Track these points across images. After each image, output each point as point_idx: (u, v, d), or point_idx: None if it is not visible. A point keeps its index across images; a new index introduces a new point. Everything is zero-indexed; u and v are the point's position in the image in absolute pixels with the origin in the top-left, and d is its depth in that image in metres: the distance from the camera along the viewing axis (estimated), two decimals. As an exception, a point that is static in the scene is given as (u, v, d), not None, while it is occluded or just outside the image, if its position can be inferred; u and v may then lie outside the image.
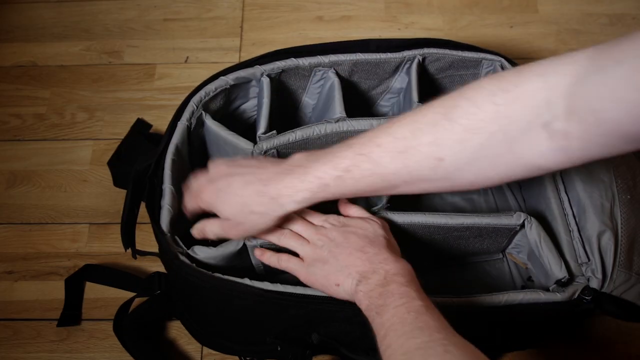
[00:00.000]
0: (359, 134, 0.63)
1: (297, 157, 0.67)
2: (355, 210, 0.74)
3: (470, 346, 0.54)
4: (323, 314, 0.71)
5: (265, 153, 0.79)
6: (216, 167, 0.71)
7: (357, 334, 0.74)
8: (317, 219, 0.72)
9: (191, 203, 0.72)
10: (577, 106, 0.49)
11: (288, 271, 0.71)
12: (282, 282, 0.70)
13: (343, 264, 0.65)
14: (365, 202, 0.80)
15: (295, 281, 0.72)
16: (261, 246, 0.74)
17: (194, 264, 0.71)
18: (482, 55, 0.87)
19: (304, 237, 0.70)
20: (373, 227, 0.69)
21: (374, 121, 0.81)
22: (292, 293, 0.69)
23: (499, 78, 0.55)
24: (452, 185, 0.60)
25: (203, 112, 0.82)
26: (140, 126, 1.04)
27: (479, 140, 0.55)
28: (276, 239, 0.71)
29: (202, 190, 0.69)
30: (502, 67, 0.86)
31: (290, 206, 0.65)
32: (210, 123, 0.81)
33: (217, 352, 0.86)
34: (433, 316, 0.57)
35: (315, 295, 0.69)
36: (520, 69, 0.54)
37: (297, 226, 0.71)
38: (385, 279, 0.61)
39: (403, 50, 0.86)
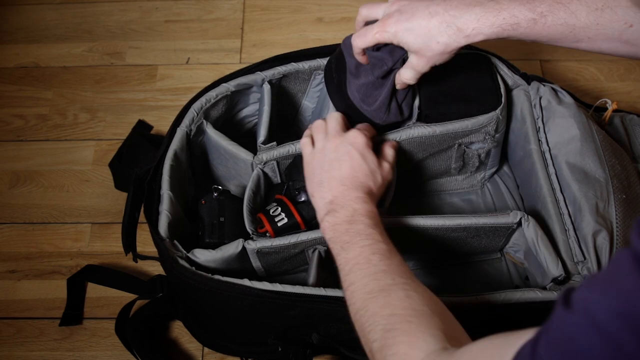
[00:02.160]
0: None
1: None
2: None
3: (429, 292, 0.58)
4: (322, 313, 0.72)
5: (265, 164, 0.80)
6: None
7: (356, 334, 0.75)
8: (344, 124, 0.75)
9: (368, 38, 0.70)
10: None
11: (302, 149, 0.75)
12: (281, 283, 0.71)
13: (325, 182, 0.70)
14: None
15: (294, 281, 0.73)
16: (259, 250, 0.74)
17: (194, 267, 0.72)
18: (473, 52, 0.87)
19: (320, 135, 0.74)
20: (371, 164, 0.71)
21: None
22: (291, 293, 0.70)
23: None
24: (629, 50, 0.65)
25: (204, 121, 0.82)
26: (141, 128, 1.05)
27: None
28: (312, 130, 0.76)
29: (386, 22, 0.68)
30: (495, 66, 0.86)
31: (478, 38, 0.66)
32: (211, 132, 0.82)
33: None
34: (395, 261, 0.61)
35: (314, 295, 0.70)
36: None
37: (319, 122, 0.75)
38: (352, 217, 0.65)
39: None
